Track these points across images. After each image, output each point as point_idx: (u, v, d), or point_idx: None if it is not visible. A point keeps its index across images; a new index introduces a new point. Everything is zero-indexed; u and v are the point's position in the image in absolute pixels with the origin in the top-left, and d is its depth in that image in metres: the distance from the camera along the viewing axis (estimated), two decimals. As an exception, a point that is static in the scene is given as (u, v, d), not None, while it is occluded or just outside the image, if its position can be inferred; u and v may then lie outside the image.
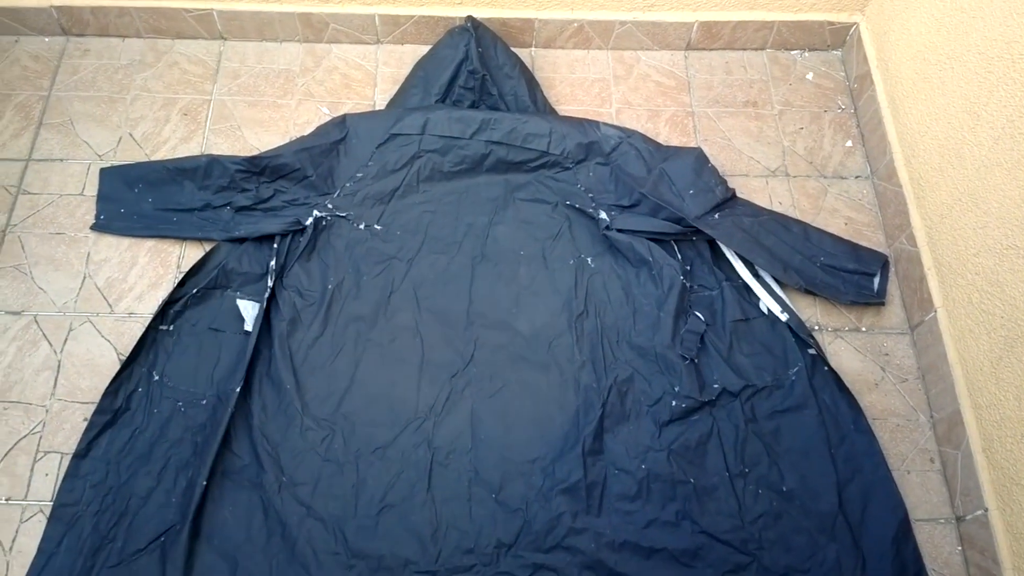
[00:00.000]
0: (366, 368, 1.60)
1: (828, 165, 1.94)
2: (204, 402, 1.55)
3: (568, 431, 1.55)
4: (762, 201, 1.86)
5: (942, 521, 1.55)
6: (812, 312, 1.75)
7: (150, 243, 1.76)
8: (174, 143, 1.89)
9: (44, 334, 1.64)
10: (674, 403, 1.57)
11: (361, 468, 1.50)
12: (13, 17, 1.98)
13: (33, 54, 2.01)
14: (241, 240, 1.72)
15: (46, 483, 1.49)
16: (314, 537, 1.43)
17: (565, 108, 1.99)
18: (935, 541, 1.53)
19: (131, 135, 1.90)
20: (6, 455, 1.52)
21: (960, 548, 1.53)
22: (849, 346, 1.72)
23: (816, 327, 1.73)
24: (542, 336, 1.65)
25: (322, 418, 1.54)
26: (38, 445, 1.53)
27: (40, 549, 1.41)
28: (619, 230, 1.72)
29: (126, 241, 1.76)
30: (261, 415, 1.53)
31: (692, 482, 1.51)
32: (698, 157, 1.79)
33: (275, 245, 1.70)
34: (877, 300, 1.74)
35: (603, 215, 1.76)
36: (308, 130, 1.88)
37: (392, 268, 1.72)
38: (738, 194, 1.81)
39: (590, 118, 1.89)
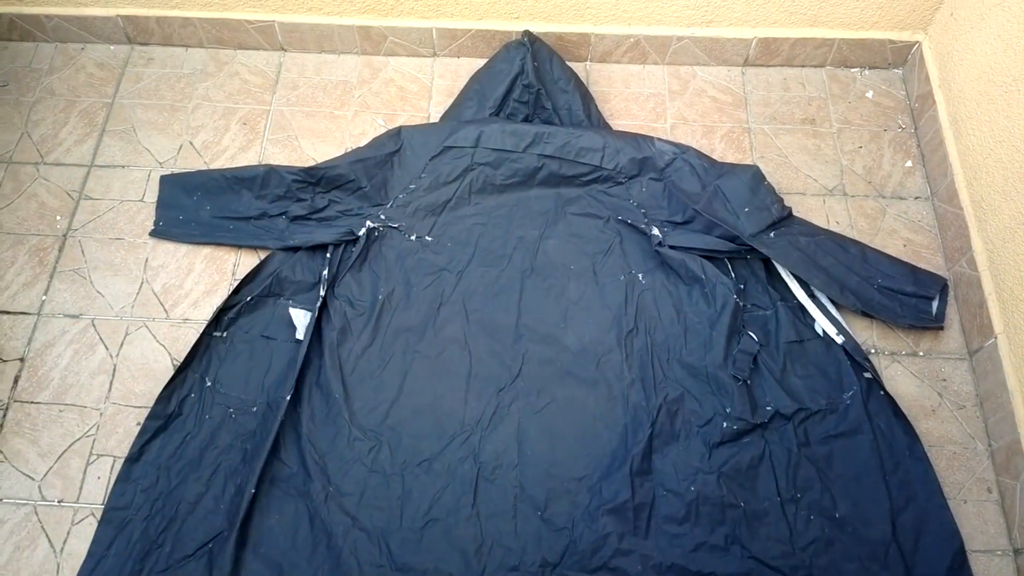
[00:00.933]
0: (414, 379, 1.60)
1: (887, 185, 1.90)
2: (255, 409, 1.57)
3: (616, 449, 1.53)
4: (819, 220, 1.83)
5: (999, 553, 1.49)
6: (868, 335, 1.70)
7: (207, 250, 1.79)
8: (233, 152, 1.92)
9: (101, 338, 1.68)
10: (725, 424, 1.54)
11: (407, 480, 1.50)
12: (80, 25, 2.04)
13: (98, 62, 2.06)
14: (295, 249, 1.74)
15: (98, 486, 1.51)
16: (359, 548, 1.43)
17: (619, 123, 1.98)
18: (991, 573, 1.47)
19: (191, 143, 1.93)
20: (60, 457, 1.55)
21: (1019, 583, 1.48)
22: (906, 371, 1.67)
23: (872, 350, 1.69)
24: (591, 352, 1.63)
25: (369, 428, 1.55)
26: (91, 448, 1.55)
27: (90, 552, 1.43)
28: (671, 247, 1.70)
29: (183, 248, 1.79)
30: (310, 424, 1.54)
31: (742, 506, 1.48)
32: (754, 174, 1.76)
33: (328, 255, 1.72)
34: (935, 324, 1.69)
35: (655, 231, 1.74)
36: (363, 141, 1.90)
37: (442, 280, 1.72)
38: (794, 213, 1.78)
39: (644, 133, 1.87)
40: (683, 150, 1.82)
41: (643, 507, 1.47)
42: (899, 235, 1.83)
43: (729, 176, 1.76)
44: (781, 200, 1.75)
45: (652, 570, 1.42)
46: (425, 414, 1.57)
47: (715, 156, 1.89)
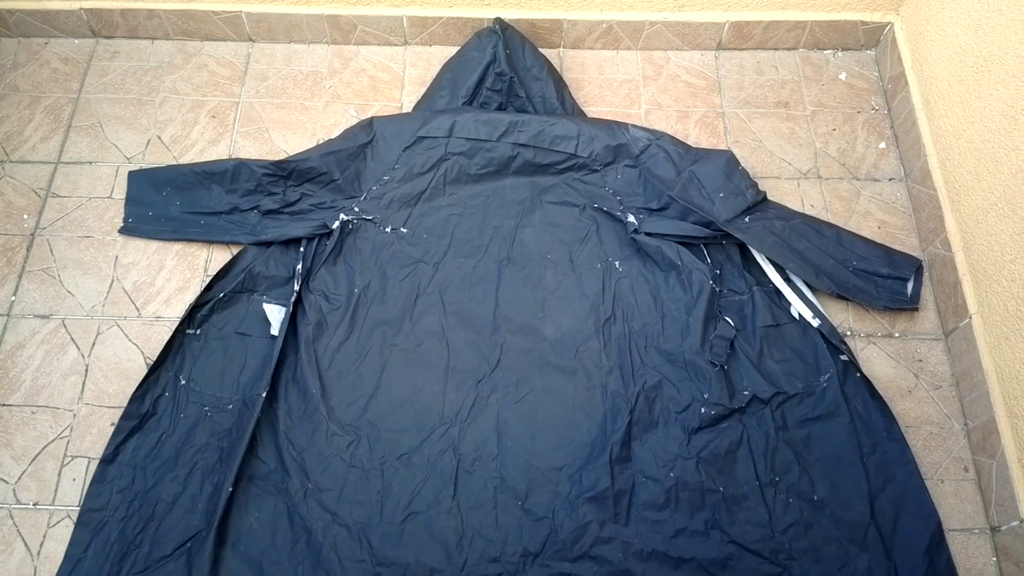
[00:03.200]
0: (391, 373, 1.59)
1: (861, 167, 1.90)
2: (230, 407, 1.55)
3: (595, 438, 1.53)
4: (794, 204, 1.83)
5: (976, 531, 1.51)
6: (844, 317, 1.71)
7: (178, 246, 1.76)
8: (202, 146, 1.89)
9: (72, 338, 1.65)
10: (703, 410, 1.54)
11: (386, 474, 1.49)
12: (43, 19, 2.00)
13: (63, 56, 2.02)
14: (268, 244, 1.72)
15: (73, 488, 1.49)
16: (339, 544, 1.42)
17: (593, 110, 1.97)
18: (969, 552, 1.49)
19: (159, 138, 1.90)
20: (34, 460, 1.53)
21: (995, 559, 1.49)
22: (882, 352, 1.68)
23: (848, 333, 1.69)
24: (569, 341, 1.63)
25: (347, 423, 1.54)
26: (66, 450, 1.53)
27: (67, 555, 1.41)
28: (647, 233, 1.70)
29: (154, 244, 1.76)
30: (287, 420, 1.53)
31: (721, 491, 1.48)
32: (728, 160, 1.76)
33: (301, 249, 1.70)
34: (911, 306, 1.70)
35: (631, 218, 1.74)
36: (335, 133, 1.87)
37: (418, 272, 1.71)
38: (769, 197, 1.78)
39: (619, 120, 1.87)
40: (657, 136, 1.81)
41: (623, 494, 1.48)
42: (874, 217, 1.83)
43: (703, 162, 1.76)
44: (755, 185, 1.75)
45: (633, 557, 1.42)
46: (404, 407, 1.56)
47: (690, 141, 1.89)
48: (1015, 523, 1.45)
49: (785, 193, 1.85)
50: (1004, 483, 1.49)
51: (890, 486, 1.51)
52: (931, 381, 1.65)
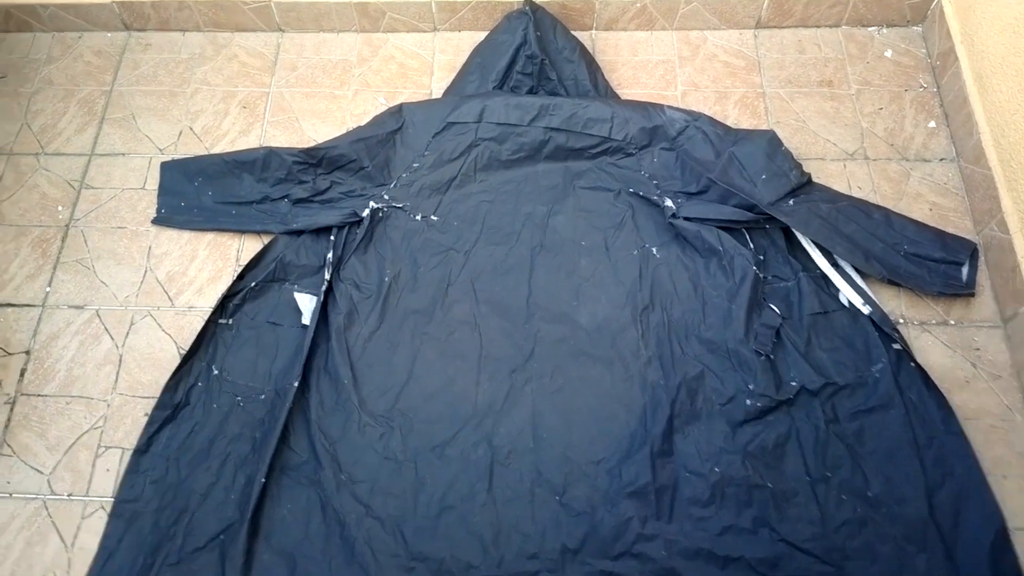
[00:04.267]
0: (424, 363, 1.56)
1: (910, 147, 1.82)
2: (263, 397, 1.53)
3: (635, 431, 1.48)
4: (840, 186, 1.75)
5: (1043, 530, 1.43)
6: (896, 304, 1.64)
7: (210, 236, 1.75)
8: (233, 136, 1.88)
9: (106, 328, 1.65)
10: (749, 402, 1.48)
11: (420, 467, 1.46)
12: (76, 13, 2.00)
13: (96, 49, 2.03)
14: (299, 233, 1.70)
15: (107, 479, 1.49)
16: (373, 537, 1.39)
17: (628, 92, 1.91)
18: (1035, 552, 1.41)
19: (191, 128, 1.89)
20: (68, 450, 1.52)
21: (1063, 559, 1.41)
22: (937, 340, 1.60)
23: (901, 320, 1.62)
24: (605, 330, 1.58)
25: (380, 414, 1.50)
26: (100, 440, 1.53)
27: (101, 546, 1.40)
28: (686, 218, 1.64)
29: (186, 235, 1.75)
30: (319, 410, 1.51)
31: (770, 487, 1.42)
32: (771, 140, 1.69)
33: (332, 237, 1.68)
34: (966, 291, 1.62)
35: (669, 203, 1.68)
36: (365, 120, 1.85)
37: (449, 260, 1.67)
38: (814, 179, 1.71)
39: (654, 101, 1.81)
40: (695, 117, 1.75)
41: (665, 490, 1.42)
42: (925, 199, 1.75)
43: (744, 143, 1.69)
44: (800, 166, 1.68)
45: (678, 555, 1.36)
46: (436, 398, 1.52)
47: (729, 123, 1.82)
48: (1084, 521, 1.37)
49: (831, 175, 1.78)
50: (1073, 479, 1.40)
51: (949, 482, 1.42)
52: (990, 371, 1.57)
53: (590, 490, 1.43)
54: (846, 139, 1.84)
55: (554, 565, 1.37)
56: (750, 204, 1.62)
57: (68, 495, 1.48)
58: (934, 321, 1.62)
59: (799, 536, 1.38)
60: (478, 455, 1.47)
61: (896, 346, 1.53)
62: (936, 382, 1.49)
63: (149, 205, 1.79)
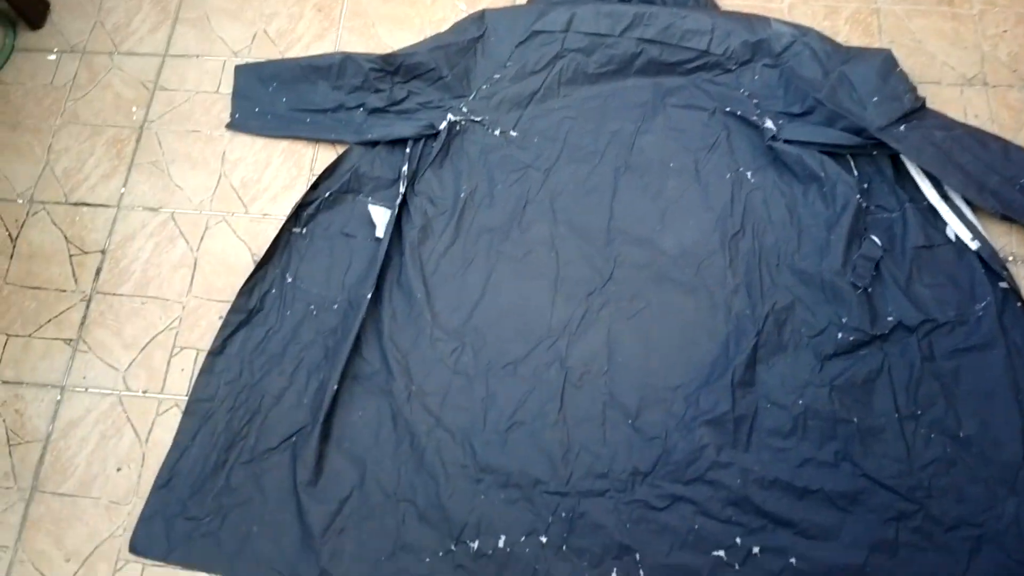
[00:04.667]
0: (498, 281, 1.51)
1: (1034, 75, 1.67)
2: (335, 306, 1.51)
3: (716, 359, 1.42)
4: (955, 114, 1.62)
5: None
6: (1007, 241, 1.52)
7: (284, 144, 1.71)
8: (308, 40, 1.82)
9: (181, 231, 1.63)
10: (840, 335, 1.40)
11: (491, 383, 1.43)
12: (152, -90, 1.94)
13: (171, -51, 1.97)
14: (373, 144, 1.65)
15: (181, 378, 1.49)
16: (442, 448, 1.38)
17: (729, 3, 1.78)
18: None
19: (265, 31, 1.84)
20: (143, 349, 1.53)
21: None
22: (1047, 281, 1.49)
23: (1010, 258, 1.51)
24: (690, 256, 1.51)
25: (452, 329, 1.47)
26: (174, 340, 1.53)
27: (175, 442, 1.42)
28: (787, 141, 1.54)
29: (260, 141, 1.72)
30: (391, 323, 1.48)
31: (855, 421, 1.35)
32: (885, 60, 1.56)
33: (407, 150, 1.62)
34: (1084, 232, 1.50)
35: (769, 123, 1.57)
36: (444, 27, 1.76)
37: (528, 177, 1.60)
38: (928, 105, 1.58)
39: (758, 14, 1.68)
40: (803, 32, 1.62)
41: (744, 419, 1.37)
42: (1046, 131, 1.62)
43: (856, 62, 1.57)
44: (914, 89, 1.56)
45: (753, 484, 1.32)
46: (510, 317, 1.48)
47: (839, 40, 1.69)
48: None
49: (946, 101, 1.65)
50: None
51: (1047, 427, 1.34)
52: (1102, 316, 1.46)
53: (665, 415, 1.38)
54: (965, 63, 1.69)
55: (623, 485, 1.34)
56: (858, 128, 1.50)
57: (143, 392, 1.49)
58: (1046, 262, 1.51)
59: (883, 472, 1.32)
60: (550, 375, 1.43)
61: (1003, 284, 1.44)
62: (1043, 325, 1.39)
63: (223, 109, 1.75)
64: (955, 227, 1.49)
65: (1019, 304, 1.42)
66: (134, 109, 1.77)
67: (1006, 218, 1.51)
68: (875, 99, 1.53)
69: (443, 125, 1.63)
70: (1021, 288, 1.46)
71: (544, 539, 1.31)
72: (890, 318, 1.42)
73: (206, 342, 1.49)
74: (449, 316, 1.49)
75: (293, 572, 1.31)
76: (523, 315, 1.48)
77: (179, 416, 1.44)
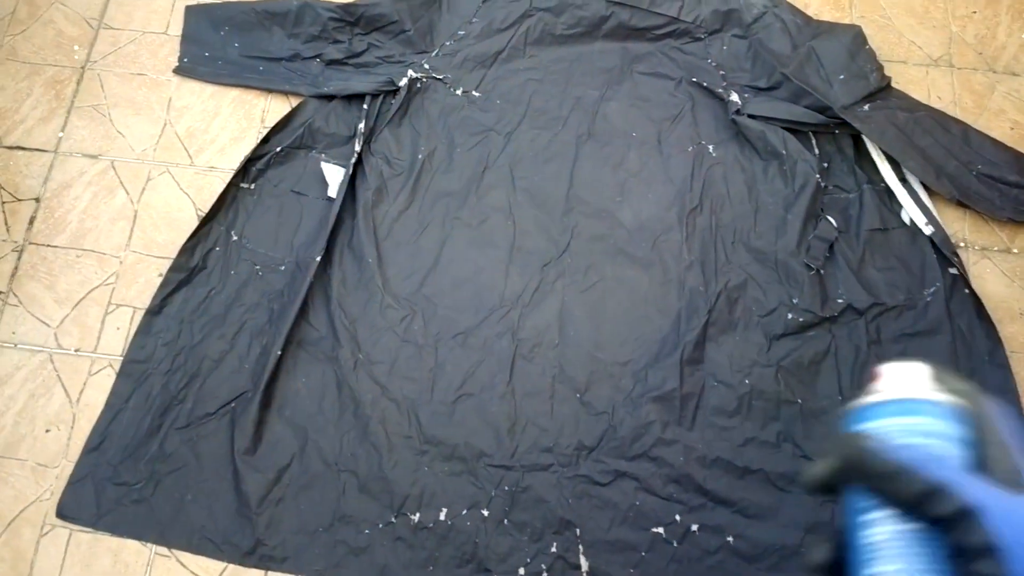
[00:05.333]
0: (452, 249, 1.48)
1: (1000, 58, 1.66)
2: (283, 268, 1.46)
3: (667, 336, 1.41)
4: (919, 94, 1.61)
5: (1077, 472, 1.37)
6: (960, 227, 1.53)
7: (234, 93, 1.64)
8: (262, -16, 1.73)
9: (121, 181, 1.56)
10: (790, 316, 1.40)
11: (440, 353, 1.40)
12: None
13: None
14: (329, 98, 1.58)
15: (117, 337, 1.43)
16: (387, 418, 1.35)
17: (697, -29, 1.73)
18: (1065, 493, 1.36)
19: (217, -29, 1.75)
20: (77, 305, 1.46)
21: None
22: (996, 268, 1.50)
23: (961, 244, 1.51)
24: (647, 230, 1.48)
25: (403, 297, 1.44)
26: (110, 297, 1.47)
27: (108, 403, 1.37)
28: (751, 115, 1.51)
29: (209, 88, 1.64)
30: (340, 288, 1.44)
31: (799, 403, 1.36)
32: (856, 36, 1.54)
33: (365, 106, 1.56)
34: (1036, 221, 1.51)
35: (734, 97, 1.54)
36: (407, -22, 1.69)
37: (488, 141, 1.56)
38: (893, 84, 1.56)
39: (729, -18, 1.64)
40: (775, 3, 1.58)
41: (691, 397, 1.37)
42: (1007, 116, 1.61)
43: (827, 37, 1.54)
44: (881, 68, 1.54)
45: (695, 462, 1.32)
46: (463, 286, 1.45)
47: (809, 13, 1.65)
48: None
49: (911, 81, 1.63)
50: (1118, 424, 1.33)
51: (986, 416, 1.37)
52: (1048, 305, 1.48)
53: (613, 391, 1.38)
54: (932, 42, 1.67)
55: (568, 460, 1.34)
56: (823, 106, 1.48)
57: (75, 350, 1.43)
58: (996, 248, 1.52)
59: (822, 454, 1.33)
60: (501, 346, 1.41)
61: (953, 270, 1.44)
62: (989, 312, 1.41)
63: (171, 52, 1.67)
64: (910, 211, 1.48)
65: (967, 291, 1.43)
66: (76, 48, 1.67)
67: (961, 204, 1.51)
68: (842, 76, 1.50)
69: (403, 82, 1.57)
70: (969, 275, 1.47)
71: (486, 512, 1.31)
72: (840, 300, 1.42)
73: (144, 300, 1.44)
74: (401, 283, 1.45)
75: (227, 541, 1.28)
76: (476, 284, 1.46)
77: (113, 377, 1.39)
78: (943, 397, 0.42)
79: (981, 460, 0.40)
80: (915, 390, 0.43)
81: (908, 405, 0.43)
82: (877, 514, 0.40)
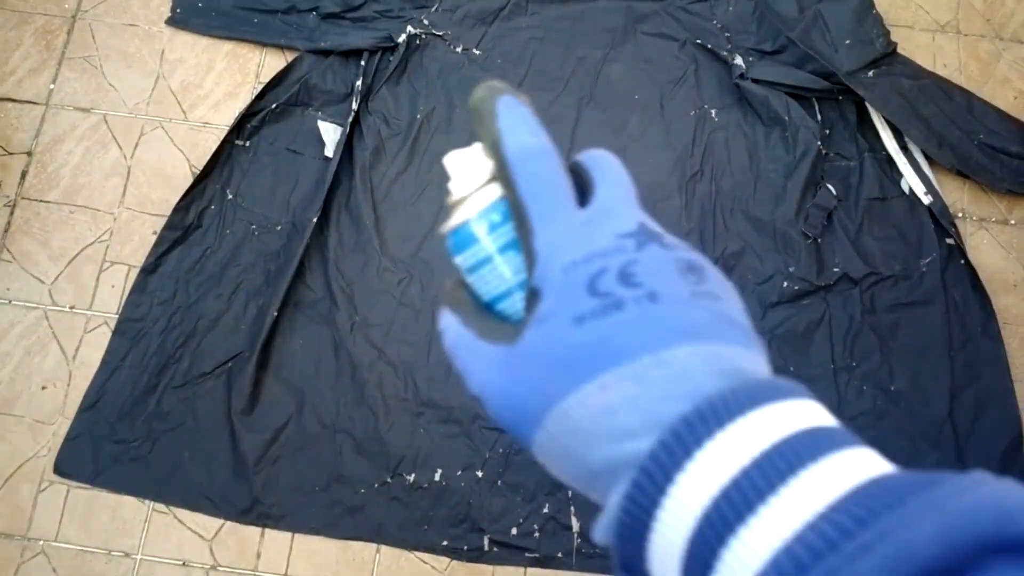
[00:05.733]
0: (449, 213, 1.47)
1: (1008, 25, 1.63)
2: (279, 228, 1.45)
3: (664, 302, 1.41)
4: (924, 61, 1.58)
5: (1060, 440, 1.40)
6: (958, 196, 1.52)
7: (228, 46, 1.60)
8: (256, -67, 1.68)
9: (114, 136, 1.53)
10: (785, 284, 1.41)
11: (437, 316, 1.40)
12: None
13: None
14: (326, 53, 1.55)
15: (112, 295, 1.43)
16: (384, 381, 1.36)
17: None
18: (1048, 462, 1.39)
19: (210, -81, 1.69)
20: (71, 262, 1.45)
21: (1076, 473, 1.39)
22: (993, 240, 1.50)
23: (960, 215, 1.51)
24: (647, 197, 1.47)
25: (401, 260, 1.43)
26: (104, 255, 1.45)
27: (104, 362, 1.37)
28: (755, 80, 1.49)
29: (203, 41, 1.60)
30: (337, 249, 1.43)
31: (792, 370, 1.38)
32: (863, 0, 1.51)
33: (362, 63, 1.53)
34: (1035, 192, 1.51)
35: (739, 60, 1.52)
36: (406, -71, 1.64)
37: (488, 101, 1.53)
38: (899, 50, 1.54)
39: (737, -59, 1.60)
40: (781, -37, 1.55)
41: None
42: (1012, 85, 1.59)
43: (834, 0, 1.51)
44: (887, 33, 1.51)
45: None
46: (460, 250, 1.44)
47: (816, -26, 1.62)
48: (1110, 438, 1.34)
49: (916, 47, 1.61)
50: (1102, 397, 1.36)
51: (975, 386, 1.38)
52: (1041, 278, 1.48)
53: (609, 356, 1.38)
54: (940, 7, 1.64)
55: None
56: (828, 72, 1.46)
57: (70, 307, 1.43)
58: (994, 219, 1.52)
59: None
60: (498, 311, 1.41)
61: (950, 241, 1.45)
62: (984, 283, 1.42)
63: (163, 2, 1.62)
64: (910, 180, 1.48)
65: (962, 262, 1.44)
66: (65, -4, 1.63)
67: (960, 174, 1.50)
68: (847, 42, 1.48)
69: (402, 38, 1.54)
70: (966, 246, 1.47)
71: (480, 474, 1.33)
72: (836, 269, 1.42)
73: (139, 258, 1.43)
74: (399, 246, 1.44)
75: (225, 500, 1.30)
76: (473, 248, 1.45)
77: (108, 335, 1.38)
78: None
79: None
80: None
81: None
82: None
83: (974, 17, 1.64)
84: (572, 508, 1.32)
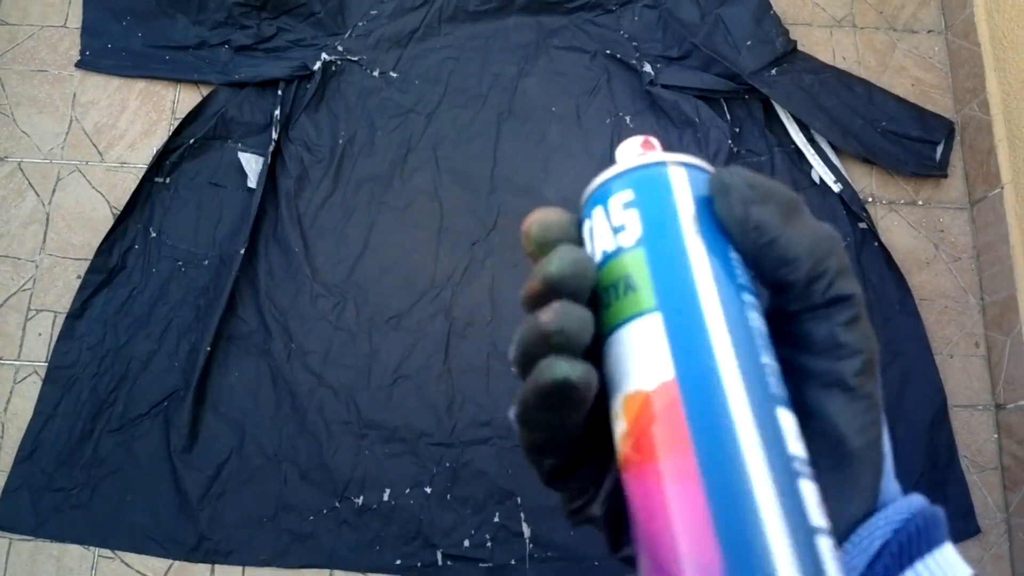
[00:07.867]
0: (380, 233, 1.48)
1: (900, 16, 1.72)
2: (206, 263, 1.44)
3: (596, 307, 1.45)
4: (824, 55, 1.66)
5: (980, 408, 1.47)
6: (867, 182, 1.60)
7: (141, 84, 1.59)
8: (163, -30, 1.68)
9: (30, 183, 1.51)
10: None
11: (375, 338, 1.41)
12: None
13: None
14: (242, 85, 1.55)
15: (40, 343, 1.40)
16: (325, 407, 1.36)
17: (606, -59, 1.74)
18: (971, 428, 1.45)
19: (114, -41, 1.68)
20: (-4, 312, 1.43)
21: (996, 436, 1.46)
22: (903, 221, 1.58)
23: (870, 199, 1.58)
24: (571, 205, 1.50)
25: (333, 285, 1.44)
26: (29, 303, 1.43)
27: (36, 411, 1.35)
28: (664, 85, 1.54)
29: (115, 81, 1.59)
30: (268, 279, 1.43)
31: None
32: (761, 2, 1.58)
33: (279, 92, 1.53)
34: (938, 172, 1.58)
35: (647, 68, 1.57)
36: (314, -41, 1.65)
37: (409, 123, 1.55)
38: (799, 46, 1.61)
39: (636, -47, 1.66)
40: (680, -29, 1.61)
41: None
42: (908, 73, 1.68)
43: (732, 4, 1.57)
44: (786, 32, 1.58)
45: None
46: (393, 270, 1.46)
47: (714, -20, 1.69)
48: (1022, 403, 1.41)
49: (816, 42, 1.68)
50: (1017, 361, 1.42)
51: (899, 361, 1.45)
52: (951, 253, 1.56)
53: (548, 364, 1.41)
54: (835, 4, 1.72)
55: (505, 432, 1.37)
56: (732, 73, 1.52)
57: (-2, 359, 1.40)
58: (902, 201, 1.59)
59: None
60: (435, 327, 1.42)
61: (862, 225, 1.51)
62: (898, 263, 1.48)
63: (72, 46, 1.61)
64: (819, 170, 1.54)
65: (876, 244, 1.50)
66: (-31, 46, 1.60)
67: (867, 161, 1.57)
68: (749, 43, 1.54)
69: (317, 65, 1.55)
70: (878, 229, 1.54)
71: (429, 489, 1.34)
72: (758, 261, 1.48)
73: (64, 304, 1.41)
74: (330, 271, 1.45)
75: (171, 540, 1.28)
76: (406, 268, 1.46)
77: (39, 384, 1.36)
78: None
79: None
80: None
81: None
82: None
83: (868, 11, 1.72)
84: (522, 515, 1.34)
